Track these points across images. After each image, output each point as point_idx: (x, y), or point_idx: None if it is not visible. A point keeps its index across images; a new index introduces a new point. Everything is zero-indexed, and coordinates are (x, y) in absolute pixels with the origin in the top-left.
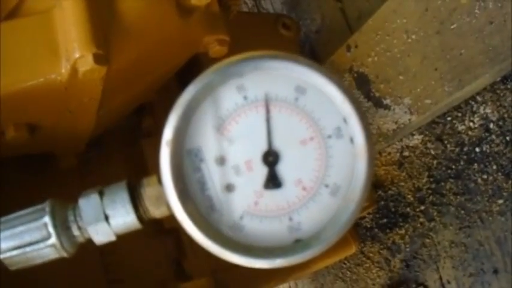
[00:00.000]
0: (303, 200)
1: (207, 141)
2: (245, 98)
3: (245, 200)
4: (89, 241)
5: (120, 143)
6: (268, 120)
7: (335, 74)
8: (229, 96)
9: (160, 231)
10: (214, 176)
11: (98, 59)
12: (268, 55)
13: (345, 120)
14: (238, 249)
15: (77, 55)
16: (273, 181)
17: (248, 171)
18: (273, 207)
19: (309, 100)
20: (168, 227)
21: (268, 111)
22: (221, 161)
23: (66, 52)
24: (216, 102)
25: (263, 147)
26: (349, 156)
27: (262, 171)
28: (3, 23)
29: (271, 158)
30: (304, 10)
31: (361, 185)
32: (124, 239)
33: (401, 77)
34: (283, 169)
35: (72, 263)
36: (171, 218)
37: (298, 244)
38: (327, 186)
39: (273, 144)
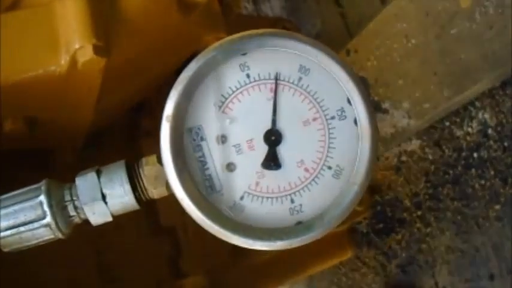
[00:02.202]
0: (305, 181)
1: (208, 120)
2: (248, 76)
3: (246, 180)
4: (85, 240)
5: (118, 142)
6: (275, 99)
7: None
8: (232, 74)
9: (156, 230)
10: (214, 155)
11: (97, 50)
12: (271, 32)
13: (348, 101)
14: (238, 230)
15: (77, 46)
16: (273, 161)
17: (249, 150)
18: (275, 188)
19: (313, 80)
20: (165, 226)
21: (276, 91)
22: (222, 139)
23: (66, 43)
24: (219, 80)
25: (265, 126)
26: (353, 138)
27: (264, 151)
28: (4, 14)
29: (273, 137)
30: (305, 14)
31: (364, 167)
32: (120, 238)
33: (400, 81)
34: (285, 149)
35: (68, 261)
36: (168, 217)
37: (299, 226)
38: (329, 168)
39: (276, 124)
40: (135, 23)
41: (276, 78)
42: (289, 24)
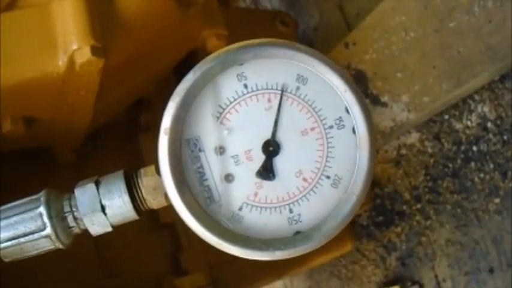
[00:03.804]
0: (303, 191)
1: (206, 131)
2: (245, 86)
3: (244, 191)
4: (85, 235)
5: (118, 138)
6: (278, 111)
7: (337, 64)
8: (229, 85)
9: (156, 225)
10: (213, 166)
11: (95, 51)
12: (268, 42)
13: (347, 111)
14: (236, 240)
15: (75, 47)
16: (267, 171)
17: (248, 160)
18: (273, 199)
19: (311, 90)
20: (165, 221)
21: (280, 102)
22: (220, 150)
23: (64, 44)
24: (216, 90)
25: (264, 136)
26: (351, 147)
27: (262, 162)
28: (1, 14)
29: (271, 147)
30: (303, 7)
31: (363, 176)
32: (120, 234)
33: (399, 75)
34: (284, 159)
35: (68, 258)
36: (168, 212)
37: (298, 236)
38: (328, 177)
39: (275, 135)
40: (133, 22)
41: (282, 90)
42: (288, 17)
